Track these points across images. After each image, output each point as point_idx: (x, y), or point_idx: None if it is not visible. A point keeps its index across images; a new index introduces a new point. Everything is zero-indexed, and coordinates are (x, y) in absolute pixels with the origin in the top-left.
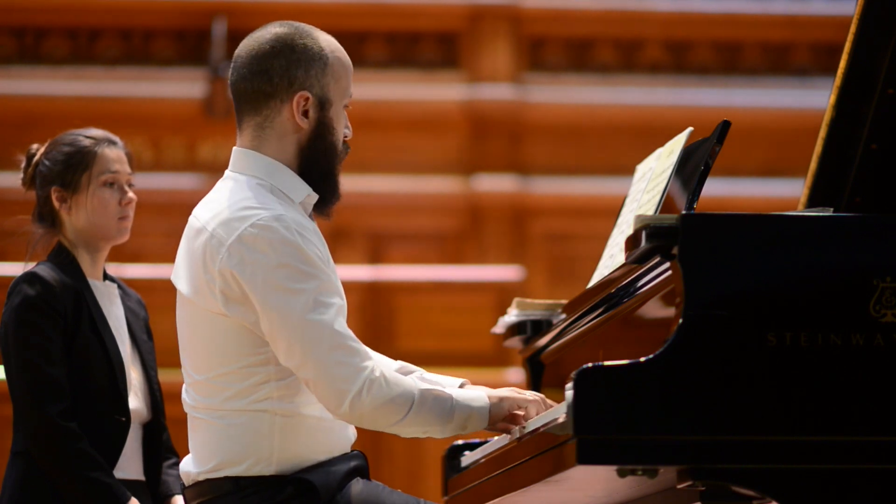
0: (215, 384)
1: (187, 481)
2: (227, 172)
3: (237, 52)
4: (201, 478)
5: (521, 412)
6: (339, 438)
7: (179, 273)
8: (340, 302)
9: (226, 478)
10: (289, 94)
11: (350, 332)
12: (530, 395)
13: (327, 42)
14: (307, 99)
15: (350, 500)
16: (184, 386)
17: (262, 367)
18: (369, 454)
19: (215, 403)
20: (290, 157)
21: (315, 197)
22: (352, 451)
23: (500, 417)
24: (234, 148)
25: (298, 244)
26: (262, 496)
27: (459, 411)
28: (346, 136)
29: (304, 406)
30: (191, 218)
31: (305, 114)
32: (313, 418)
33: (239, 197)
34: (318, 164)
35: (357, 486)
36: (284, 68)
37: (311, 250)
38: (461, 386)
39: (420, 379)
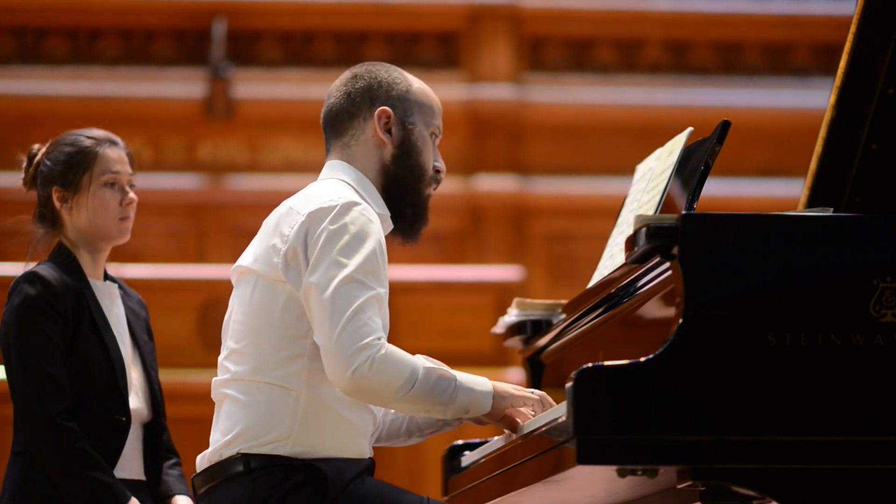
0: (250, 352)
1: (199, 466)
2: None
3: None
4: (215, 457)
5: (525, 409)
6: (356, 440)
7: (246, 256)
8: (382, 290)
9: (238, 456)
10: (371, 111)
11: (377, 316)
12: (533, 394)
13: (413, 79)
14: (389, 115)
15: (360, 494)
16: (216, 376)
17: (300, 341)
18: None
19: (245, 373)
20: (374, 173)
21: (390, 225)
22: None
23: (504, 408)
24: (327, 162)
25: (368, 230)
26: (271, 480)
27: (462, 393)
28: (437, 168)
29: (328, 397)
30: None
31: (389, 131)
32: (335, 412)
33: (327, 187)
34: (401, 182)
35: (368, 482)
36: (366, 89)
37: (375, 241)
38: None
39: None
